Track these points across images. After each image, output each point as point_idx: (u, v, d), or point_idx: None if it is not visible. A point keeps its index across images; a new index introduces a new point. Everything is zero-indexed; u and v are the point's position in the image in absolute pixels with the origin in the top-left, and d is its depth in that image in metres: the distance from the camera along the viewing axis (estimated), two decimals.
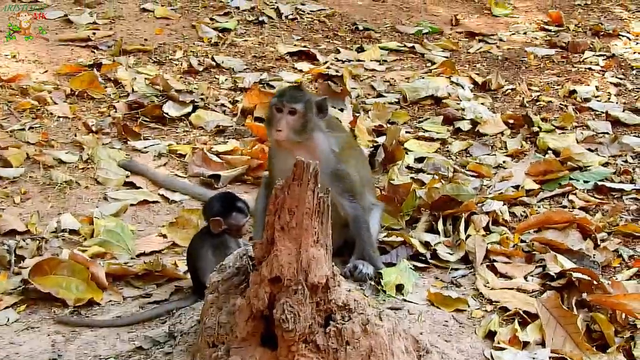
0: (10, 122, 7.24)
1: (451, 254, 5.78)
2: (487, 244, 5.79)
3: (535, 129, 7.52)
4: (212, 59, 8.73)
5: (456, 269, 5.68)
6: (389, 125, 7.54)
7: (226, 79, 8.33)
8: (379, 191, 6.50)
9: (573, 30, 10.16)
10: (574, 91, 8.34)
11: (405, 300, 5.26)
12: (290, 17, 10.06)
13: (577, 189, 6.55)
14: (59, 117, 7.41)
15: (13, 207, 6.13)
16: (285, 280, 3.84)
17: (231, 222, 5.09)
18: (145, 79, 8.13)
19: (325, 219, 3.92)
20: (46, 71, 8.21)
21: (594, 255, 5.74)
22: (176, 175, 6.78)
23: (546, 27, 10.32)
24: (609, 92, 8.41)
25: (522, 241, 5.92)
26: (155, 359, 4.50)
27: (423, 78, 8.58)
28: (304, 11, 10.25)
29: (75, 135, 7.13)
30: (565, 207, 6.37)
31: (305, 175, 3.81)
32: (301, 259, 3.85)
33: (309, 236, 3.86)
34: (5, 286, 5.25)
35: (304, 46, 9.27)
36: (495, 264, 5.65)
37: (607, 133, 7.50)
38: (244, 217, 5.13)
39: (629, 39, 9.90)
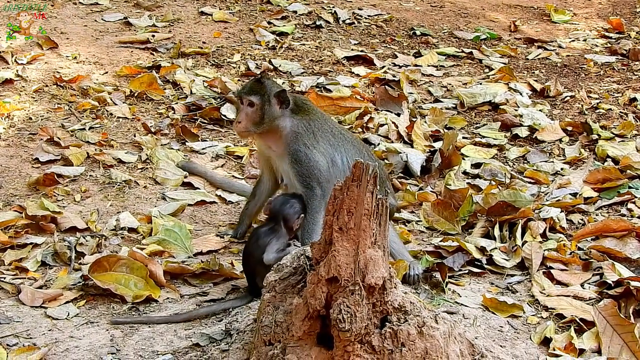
0: (71, 122, 7.35)
1: (507, 260, 5.75)
2: (544, 250, 5.77)
3: (594, 136, 7.46)
4: (270, 62, 8.78)
5: (512, 275, 5.66)
6: (445, 131, 7.52)
7: (283, 83, 8.37)
8: (435, 196, 6.50)
9: (634, 38, 10.05)
10: (635, 99, 8.25)
11: (460, 305, 5.25)
12: (348, 21, 10.09)
13: (636, 197, 6.48)
14: (118, 117, 7.51)
15: (74, 204, 6.22)
16: (342, 280, 3.85)
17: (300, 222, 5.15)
18: (204, 81, 8.21)
19: (383, 221, 3.92)
20: (106, 72, 8.32)
21: None
22: (233, 176, 6.83)
23: (606, 34, 10.22)
24: None
25: (579, 249, 5.89)
26: (211, 356, 4.54)
27: (481, 84, 8.55)
28: (361, 16, 10.27)
29: (135, 136, 7.22)
30: (624, 215, 6.31)
31: (364, 177, 3.83)
32: (359, 259, 3.86)
33: (367, 237, 3.87)
34: (66, 281, 5.35)
35: (361, 50, 9.28)
36: (551, 270, 5.63)
37: None
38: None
39: None
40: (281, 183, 5.75)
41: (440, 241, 5.93)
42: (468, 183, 6.72)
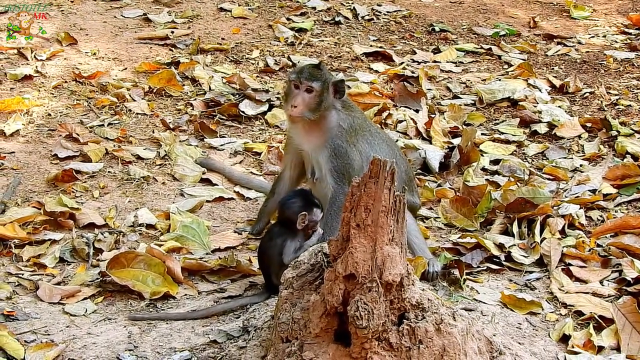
0: (90, 118, 7.37)
1: (526, 257, 5.73)
2: (563, 247, 5.74)
3: (614, 132, 7.41)
4: (289, 58, 8.78)
5: (530, 272, 5.64)
6: (464, 127, 7.50)
7: None
8: (454, 192, 6.48)
9: None
10: None
11: (478, 302, 5.23)
12: (367, 17, 10.07)
13: None
14: (137, 113, 7.53)
15: (92, 201, 6.24)
16: (359, 277, 3.84)
17: (312, 218, 5.12)
18: (222, 77, 8.21)
19: (400, 218, 3.91)
20: (125, 69, 8.34)
21: None
22: (251, 172, 6.83)
23: (626, 30, 10.15)
24: None
25: (598, 245, 5.86)
26: (229, 353, 4.54)
27: (500, 80, 8.51)
28: (380, 12, 10.24)
29: (153, 132, 7.23)
30: None
31: (382, 173, 3.81)
32: (376, 256, 3.85)
33: (385, 234, 3.86)
34: (84, 278, 5.36)
35: (380, 47, 9.27)
36: (570, 267, 5.60)
37: None
38: (321, 213, 5.17)
39: None
40: (310, 178, 5.71)
41: (459, 238, 5.92)
42: (487, 179, 6.70)
